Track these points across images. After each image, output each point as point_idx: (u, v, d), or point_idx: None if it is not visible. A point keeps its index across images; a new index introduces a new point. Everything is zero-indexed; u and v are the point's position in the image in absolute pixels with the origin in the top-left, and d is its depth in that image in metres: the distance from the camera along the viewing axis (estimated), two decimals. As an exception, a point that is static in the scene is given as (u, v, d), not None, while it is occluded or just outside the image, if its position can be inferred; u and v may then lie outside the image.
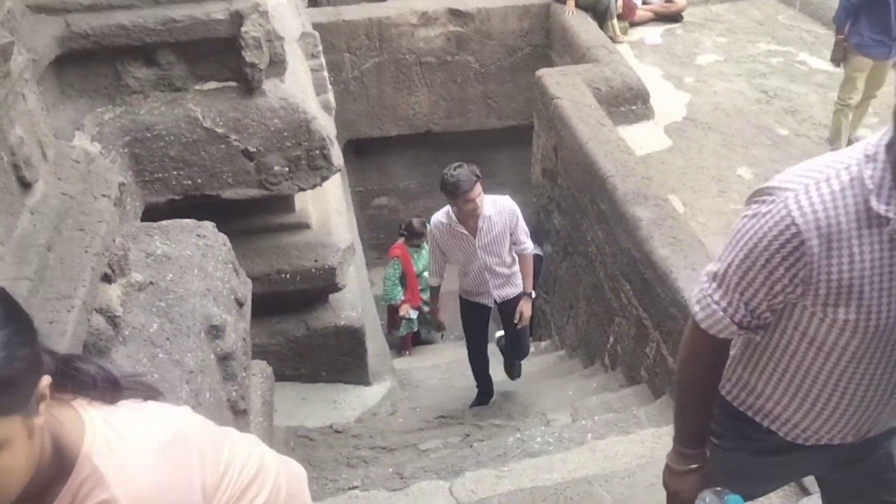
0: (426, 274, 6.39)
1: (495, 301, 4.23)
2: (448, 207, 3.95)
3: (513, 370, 4.79)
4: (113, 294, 2.27)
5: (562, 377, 5.06)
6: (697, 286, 1.55)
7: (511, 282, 4.20)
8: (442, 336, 4.66)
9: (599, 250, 4.73)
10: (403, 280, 6.20)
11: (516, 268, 4.19)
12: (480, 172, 3.83)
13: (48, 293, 1.84)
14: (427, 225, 6.75)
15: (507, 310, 4.30)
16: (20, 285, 1.77)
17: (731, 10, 7.92)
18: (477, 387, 4.74)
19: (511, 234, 4.00)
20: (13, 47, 1.93)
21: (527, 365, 5.49)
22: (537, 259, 5.06)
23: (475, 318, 4.41)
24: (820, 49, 6.99)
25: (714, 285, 1.49)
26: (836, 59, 5.49)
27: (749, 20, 7.68)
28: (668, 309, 3.70)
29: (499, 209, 3.92)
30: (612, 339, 4.60)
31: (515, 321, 4.25)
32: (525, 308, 4.23)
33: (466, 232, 3.94)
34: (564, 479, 3.15)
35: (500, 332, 4.81)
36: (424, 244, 6.01)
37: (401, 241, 6.21)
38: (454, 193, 3.72)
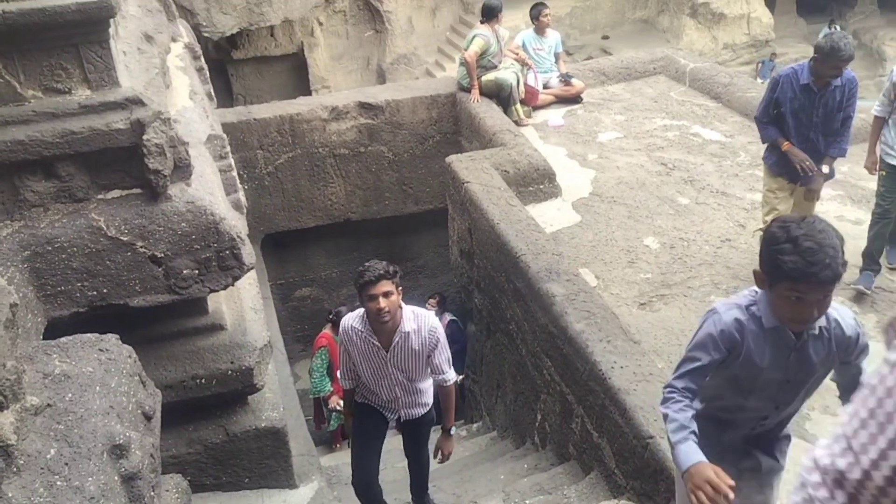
0: None
1: (399, 419, 3.90)
2: (361, 311, 3.60)
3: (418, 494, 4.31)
4: (5, 422, 2.16)
5: (493, 460, 5.02)
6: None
7: (421, 401, 3.86)
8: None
9: (519, 327, 4.80)
10: (331, 370, 6.07)
11: (429, 385, 3.84)
12: (399, 268, 3.50)
13: (-73, 430, 1.74)
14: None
15: (411, 430, 3.97)
16: None
17: (626, 90, 8.40)
18: None
19: (429, 358, 3.63)
20: None
21: (458, 449, 5.43)
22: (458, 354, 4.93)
23: (370, 426, 3.93)
24: (711, 121, 7.46)
25: None
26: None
27: (644, 98, 8.15)
28: (587, 383, 3.76)
29: (418, 327, 3.54)
30: (539, 417, 4.61)
31: (437, 459, 3.97)
32: (446, 446, 3.93)
33: (379, 344, 3.57)
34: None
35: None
36: None
37: (327, 329, 6.11)
38: (358, 283, 3.41)
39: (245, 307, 4.44)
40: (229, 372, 3.94)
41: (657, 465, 3.22)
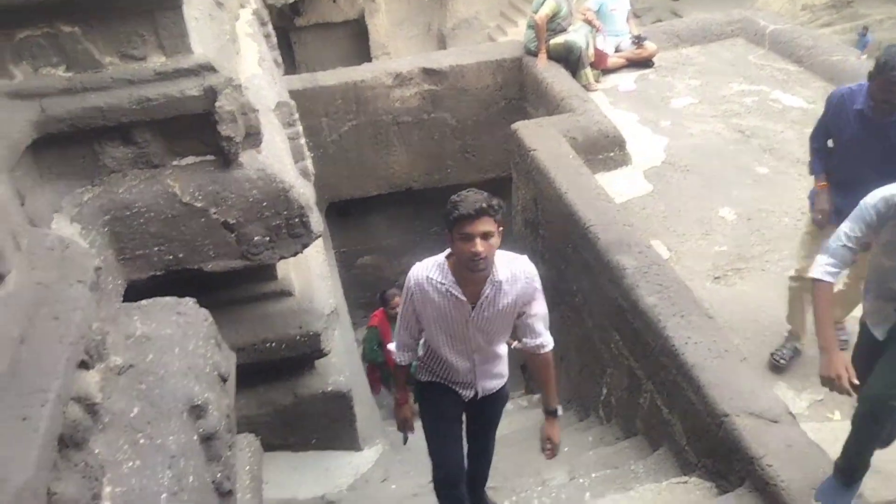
0: None
1: (475, 395, 3.10)
2: (442, 258, 2.78)
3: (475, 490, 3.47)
4: (91, 381, 2.22)
5: (557, 431, 4.98)
6: None
7: (498, 370, 3.11)
8: (406, 441, 3.44)
9: (586, 300, 4.72)
10: (382, 350, 5.82)
11: (506, 350, 3.10)
12: (502, 202, 2.66)
13: (21, 388, 1.80)
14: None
15: (482, 410, 3.20)
16: (-9, 382, 1.73)
17: (701, 53, 8.08)
18: None
19: (521, 315, 2.85)
20: (-19, 141, 1.92)
21: (520, 419, 5.42)
22: None
23: (447, 408, 3.13)
24: (792, 86, 7.13)
25: None
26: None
27: (720, 61, 7.84)
28: (658, 358, 3.67)
29: (513, 274, 2.75)
30: (605, 391, 4.55)
31: (544, 450, 3.12)
32: (554, 432, 3.08)
33: (464, 299, 2.75)
34: (564, 541, 3.08)
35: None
36: None
37: (381, 308, 5.99)
38: (450, 218, 2.58)
39: (312, 274, 4.49)
40: (297, 337, 4.00)
41: (732, 444, 3.14)
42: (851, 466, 2.82)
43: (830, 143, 3.69)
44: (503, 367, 3.12)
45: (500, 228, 2.60)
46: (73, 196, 3.38)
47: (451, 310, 2.80)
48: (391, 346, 3.15)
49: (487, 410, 3.23)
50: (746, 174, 5.77)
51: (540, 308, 2.87)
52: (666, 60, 7.89)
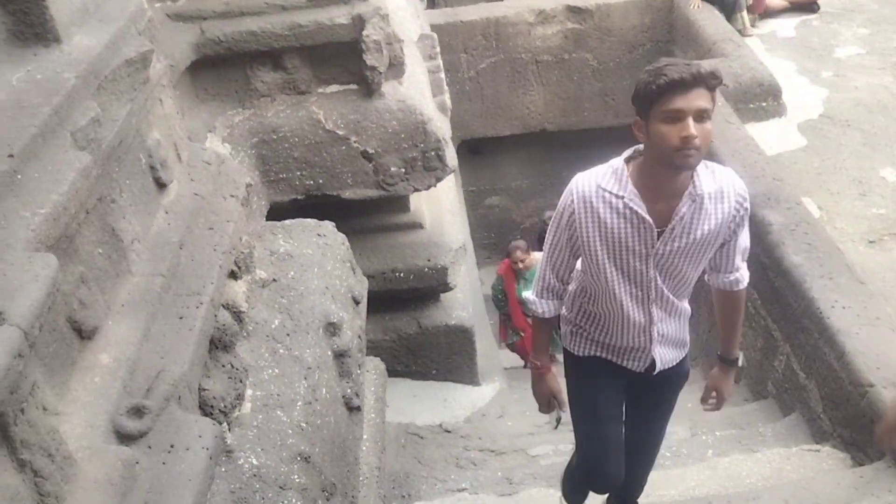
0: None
1: (649, 368, 2.26)
2: (619, 162, 2.02)
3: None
4: (238, 290, 2.36)
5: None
6: None
7: (682, 336, 2.30)
8: (557, 424, 2.59)
9: (723, 255, 4.50)
10: (506, 302, 5.55)
11: (689, 311, 2.28)
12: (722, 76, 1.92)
13: (179, 289, 1.93)
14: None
15: (656, 389, 2.37)
16: (154, 281, 1.87)
17: (874, 0, 7.35)
18: None
19: (724, 245, 2.10)
20: (153, 55, 2.03)
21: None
22: None
23: (608, 394, 2.36)
24: (978, 39, 6.37)
25: None
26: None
27: (894, 9, 7.10)
28: (800, 320, 3.47)
29: (719, 188, 1.99)
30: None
31: (706, 400, 2.44)
32: (726, 385, 2.39)
33: (648, 217, 1.97)
34: (682, 496, 3.01)
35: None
36: (529, 275, 5.14)
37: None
38: (645, 95, 1.85)
39: (443, 209, 4.53)
40: (426, 269, 4.07)
41: (874, 415, 2.93)
42: None
43: None
44: (686, 332, 2.30)
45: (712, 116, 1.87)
46: (225, 117, 3.55)
47: (629, 236, 2.00)
48: (528, 295, 2.34)
49: (662, 391, 2.41)
50: (913, 132, 5.26)
51: (746, 236, 2.13)
52: (832, 5, 7.23)
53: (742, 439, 3.38)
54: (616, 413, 2.40)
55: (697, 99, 1.80)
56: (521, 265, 5.28)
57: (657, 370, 2.25)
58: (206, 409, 1.91)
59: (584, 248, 2.10)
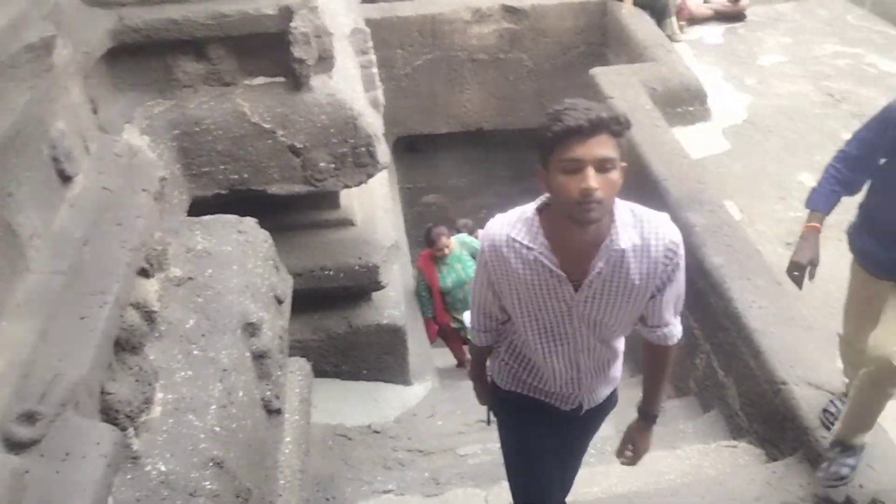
0: (462, 289, 5.28)
1: (577, 409, 2.19)
2: (531, 211, 1.88)
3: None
4: (150, 289, 2.27)
5: (607, 385, 4.93)
6: None
7: (611, 375, 2.19)
8: (490, 422, 2.47)
9: (650, 256, 4.58)
10: (431, 295, 5.44)
11: (622, 349, 2.17)
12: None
13: (82, 288, 1.84)
14: (464, 234, 5.86)
15: (583, 422, 2.29)
16: (54, 279, 1.77)
17: (796, 10, 7.62)
18: None
19: (652, 298, 1.92)
20: (55, 41, 1.93)
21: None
22: None
23: (536, 433, 2.26)
24: (891, 51, 6.66)
25: None
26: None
27: (815, 20, 7.38)
28: (719, 320, 3.56)
29: (643, 241, 1.82)
30: (660, 348, 4.45)
31: (623, 459, 2.34)
32: (643, 440, 2.29)
33: (561, 272, 1.85)
34: (605, 493, 3.05)
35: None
36: (451, 259, 5.26)
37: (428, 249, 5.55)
38: (544, 142, 1.69)
39: (376, 206, 4.48)
40: (356, 267, 4.01)
41: (787, 412, 3.03)
42: (852, 434, 2.62)
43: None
44: (618, 369, 2.21)
45: (623, 164, 1.70)
46: (144, 108, 3.42)
47: (544, 290, 1.88)
48: (465, 318, 2.28)
49: (589, 424, 2.34)
50: (831, 140, 5.44)
51: (678, 289, 1.94)
52: (758, 15, 7.47)
53: (664, 436, 3.44)
54: (545, 444, 2.29)
55: (598, 147, 1.63)
56: (446, 251, 5.26)
57: (584, 410, 2.19)
58: (110, 413, 1.82)
59: (501, 296, 2.00)
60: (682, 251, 1.86)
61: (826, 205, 2.68)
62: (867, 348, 2.53)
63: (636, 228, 1.81)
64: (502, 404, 2.32)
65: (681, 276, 1.91)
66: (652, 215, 1.85)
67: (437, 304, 5.42)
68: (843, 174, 2.64)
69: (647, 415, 2.25)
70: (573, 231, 1.76)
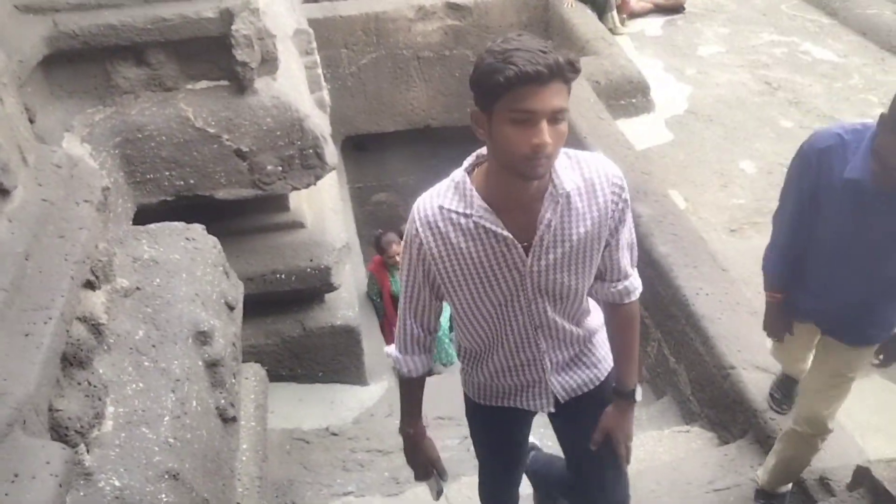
0: None
1: (554, 399, 1.96)
2: (460, 174, 1.69)
3: None
4: (97, 301, 2.22)
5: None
6: None
7: (587, 357, 1.95)
8: (438, 496, 2.22)
9: (599, 247, 4.66)
10: (383, 295, 5.50)
11: (596, 323, 1.94)
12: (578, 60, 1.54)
13: (25, 304, 1.79)
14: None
15: (573, 417, 2.02)
16: (-5, 297, 1.72)
17: (733, 0, 7.82)
18: None
19: (606, 247, 1.76)
20: (-13, 51, 1.87)
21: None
22: None
23: (503, 435, 2.16)
24: (824, 39, 6.89)
25: None
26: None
27: (751, 10, 7.58)
28: (668, 308, 3.64)
29: (587, 180, 1.68)
30: (612, 337, 4.54)
31: (595, 443, 2.00)
32: (622, 423, 1.98)
33: (506, 232, 1.65)
34: (563, 482, 3.09)
35: (535, 444, 2.64)
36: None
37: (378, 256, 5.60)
38: (488, 87, 1.50)
39: (325, 207, 4.45)
40: (308, 269, 3.99)
41: (736, 395, 3.13)
42: (777, 485, 2.69)
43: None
44: (599, 346, 1.96)
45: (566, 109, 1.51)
46: (84, 116, 3.33)
47: (492, 260, 1.67)
48: (389, 350, 1.99)
49: (583, 419, 2.00)
50: (770, 127, 5.63)
51: (630, 234, 1.78)
52: (696, 6, 7.65)
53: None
54: (519, 456, 2.25)
55: (554, 97, 1.45)
56: (396, 258, 5.24)
57: (564, 401, 1.95)
58: (59, 430, 1.78)
59: (442, 283, 1.75)
60: (627, 189, 1.72)
61: (781, 281, 2.45)
62: (798, 407, 2.50)
63: (575, 170, 1.67)
64: (473, 415, 2.14)
65: (630, 219, 1.78)
66: (588, 155, 1.72)
67: (387, 307, 5.44)
68: (788, 239, 2.37)
69: (622, 392, 1.96)
70: (515, 186, 1.59)
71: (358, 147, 7.92)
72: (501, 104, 1.48)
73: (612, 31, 6.85)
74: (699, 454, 3.13)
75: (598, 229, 1.69)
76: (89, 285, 2.18)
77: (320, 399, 4.36)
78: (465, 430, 3.48)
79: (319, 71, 4.52)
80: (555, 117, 1.48)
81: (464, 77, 7.34)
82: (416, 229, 1.70)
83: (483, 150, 1.68)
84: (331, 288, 4.13)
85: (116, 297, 2.33)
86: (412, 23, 6.93)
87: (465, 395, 2.10)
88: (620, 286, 1.84)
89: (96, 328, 2.12)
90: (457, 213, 1.66)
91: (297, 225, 4.07)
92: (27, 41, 3.02)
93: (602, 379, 1.99)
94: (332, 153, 3.75)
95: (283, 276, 3.97)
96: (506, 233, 1.64)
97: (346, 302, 4.40)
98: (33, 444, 1.53)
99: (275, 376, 3.91)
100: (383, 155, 8.17)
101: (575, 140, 4.90)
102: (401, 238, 5.35)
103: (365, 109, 7.34)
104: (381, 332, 5.72)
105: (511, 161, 1.53)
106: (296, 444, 3.82)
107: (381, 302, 5.49)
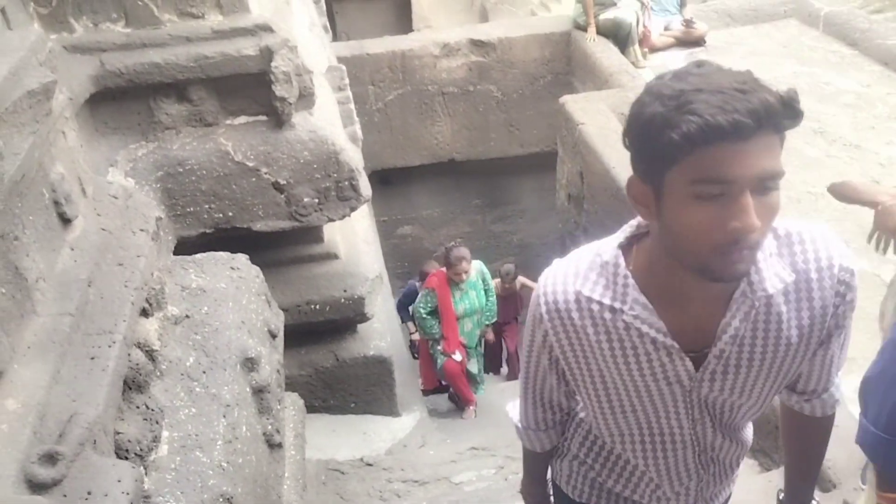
0: (472, 319, 5.20)
1: None
2: (611, 252, 1.21)
3: None
4: (151, 328, 2.27)
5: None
6: None
7: (733, 475, 1.59)
8: None
9: (629, 276, 4.67)
10: (435, 314, 5.18)
11: (750, 434, 1.55)
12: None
13: (89, 328, 1.84)
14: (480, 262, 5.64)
15: None
16: (62, 321, 1.78)
17: (753, 34, 7.90)
18: None
19: (812, 356, 1.27)
20: (55, 86, 1.96)
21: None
22: None
23: None
24: (846, 69, 6.94)
25: None
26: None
27: (772, 42, 7.65)
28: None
29: (801, 275, 1.18)
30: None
31: None
32: None
33: (673, 343, 1.18)
34: None
35: None
36: (468, 285, 5.08)
37: (434, 267, 5.39)
38: (660, 145, 0.99)
39: (358, 239, 4.52)
40: (342, 300, 4.04)
41: (777, 421, 3.10)
42: None
43: None
44: (735, 468, 1.57)
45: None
46: (127, 151, 3.44)
47: (644, 370, 1.24)
48: (511, 414, 1.60)
49: None
50: (796, 156, 5.64)
51: (844, 337, 1.29)
52: (717, 40, 7.72)
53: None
54: None
55: (762, 156, 1.00)
56: (464, 276, 5.06)
57: None
58: (121, 452, 1.82)
59: (573, 381, 1.35)
60: (856, 281, 1.21)
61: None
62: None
63: (785, 258, 1.18)
64: None
65: (850, 323, 1.27)
66: (806, 231, 1.20)
67: (450, 326, 5.11)
68: None
69: None
70: (693, 284, 1.13)
71: (383, 181, 8.03)
72: (677, 172, 1.01)
73: (635, 65, 6.93)
74: (742, 482, 3.09)
75: (805, 341, 1.21)
76: (143, 312, 2.24)
77: (353, 430, 4.38)
78: (501, 461, 3.55)
79: (352, 105, 4.62)
80: (763, 185, 1.02)
81: (487, 111, 7.48)
82: (541, 314, 1.27)
83: (642, 220, 1.21)
84: (364, 318, 4.17)
85: (167, 325, 2.38)
86: (437, 59, 7.07)
87: (557, 487, 1.65)
88: (816, 400, 1.38)
89: (150, 354, 2.17)
90: (600, 304, 1.20)
91: (332, 256, 4.13)
92: (76, 80, 3.13)
93: (730, 493, 1.63)
94: (366, 185, 3.83)
95: (317, 307, 4.02)
96: (670, 341, 1.18)
97: (379, 332, 4.43)
98: (105, 463, 1.57)
99: (308, 407, 3.93)
100: (408, 189, 8.27)
101: (603, 170, 4.94)
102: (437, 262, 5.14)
103: (391, 144, 7.46)
104: (409, 348, 5.62)
105: (694, 255, 1.05)
106: (331, 475, 3.84)
107: (431, 318, 5.22)
